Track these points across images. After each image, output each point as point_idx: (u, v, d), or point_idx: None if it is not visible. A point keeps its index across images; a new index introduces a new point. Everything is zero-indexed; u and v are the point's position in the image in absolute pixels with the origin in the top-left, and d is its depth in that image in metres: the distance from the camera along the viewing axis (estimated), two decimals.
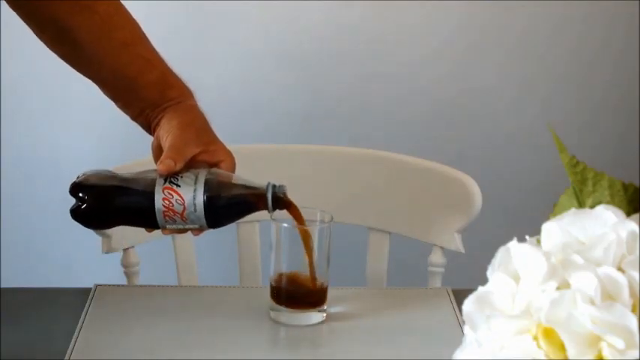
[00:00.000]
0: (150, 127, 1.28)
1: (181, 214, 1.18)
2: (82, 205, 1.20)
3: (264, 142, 1.95)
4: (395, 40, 2.24)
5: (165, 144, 1.22)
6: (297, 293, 1.27)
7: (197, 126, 1.25)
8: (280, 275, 1.27)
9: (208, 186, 1.18)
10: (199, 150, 1.22)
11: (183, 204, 1.17)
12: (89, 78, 1.30)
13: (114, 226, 1.26)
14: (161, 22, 2.14)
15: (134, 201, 1.19)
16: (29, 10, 1.27)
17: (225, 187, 1.19)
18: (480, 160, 2.28)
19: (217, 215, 1.19)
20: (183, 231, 1.22)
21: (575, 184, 0.76)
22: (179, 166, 1.19)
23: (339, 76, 2.25)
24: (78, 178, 1.21)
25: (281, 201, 1.21)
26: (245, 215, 1.23)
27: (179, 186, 1.18)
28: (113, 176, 1.22)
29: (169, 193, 1.18)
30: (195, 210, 1.18)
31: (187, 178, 1.18)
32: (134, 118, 1.30)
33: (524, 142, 2.30)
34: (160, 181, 1.19)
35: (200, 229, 1.21)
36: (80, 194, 1.20)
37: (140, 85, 1.27)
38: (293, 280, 1.27)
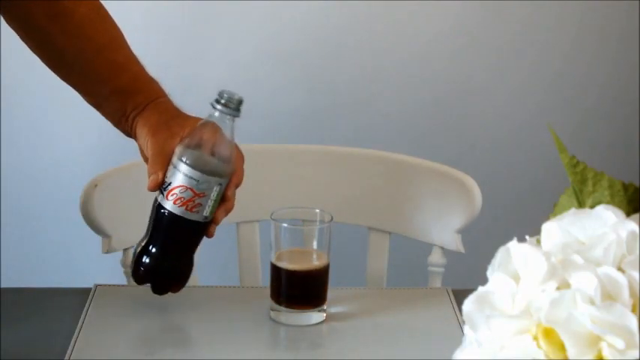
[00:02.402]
0: (130, 136, 1.30)
1: (196, 194, 1.20)
2: (157, 281, 1.27)
3: (264, 142, 1.95)
4: (395, 39, 2.24)
5: (148, 156, 1.25)
6: (297, 292, 1.28)
7: (165, 121, 1.26)
8: (280, 274, 1.27)
9: (185, 155, 1.20)
10: (177, 140, 1.23)
11: (186, 186, 1.20)
12: (72, 85, 1.31)
13: (189, 261, 1.28)
14: (161, 22, 2.14)
15: (169, 230, 1.23)
16: (11, 15, 1.27)
17: (197, 143, 1.21)
18: (480, 160, 2.28)
19: (215, 163, 1.21)
20: (226, 203, 1.23)
21: (575, 184, 0.76)
22: (161, 174, 1.22)
23: (339, 76, 2.25)
24: (130, 267, 1.27)
25: (232, 104, 1.21)
26: (233, 143, 1.23)
27: (171, 183, 1.21)
28: (144, 241, 1.26)
29: (173, 194, 1.21)
30: (197, 180, 1.20)
31: (170, 171, 1.21)
32: (115, 125, 1.31)
33: (524, 142, 2.30)
34: (160, 197, 1.22)
35: (222, 186, 1.22)
36: (148, 280, 1.26)
37: (110, 91, 1.28)
38: (293, 279, 1.27)
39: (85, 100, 1.31)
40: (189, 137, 1.22)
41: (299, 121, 2.24)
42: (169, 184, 1.21)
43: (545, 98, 2.29)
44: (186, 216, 1.21)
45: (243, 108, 1.22)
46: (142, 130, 1.26)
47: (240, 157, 1.25)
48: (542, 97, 2.29)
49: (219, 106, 1.21)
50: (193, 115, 1.27)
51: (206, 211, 1.22)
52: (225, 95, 1.21)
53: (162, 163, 1.22)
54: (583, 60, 2.27)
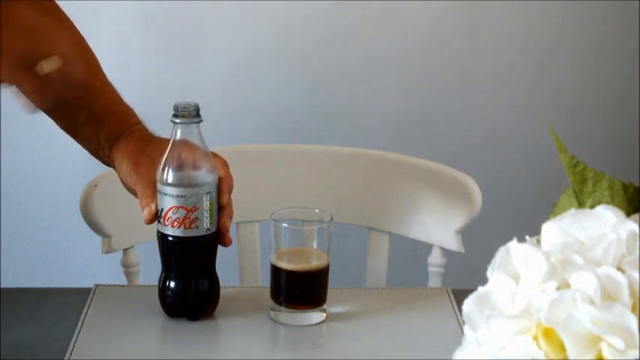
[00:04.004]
0: (109, 165, 1.30)
1: (189, 210, 1.21)
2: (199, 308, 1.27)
3: (264, 142, 1.95)
4: (395, 39, 2.24)
5: (136, 190, 1.25)
6: (297, 292, 1.27)
7: (143, 149, 1.26)
8: (280, 274, 1.27)
9: (166, 177, 1.20)
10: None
11: (177, 206, 1.21)
12: (46, 110, 1.30)
13: (211, 277, 1.27)
14: (161, 22, 2.14)
15: (178, 254, 1.24)
16: None
17: (172, 161, 1.21)
18: (480, 160, 2.28)
19: (195, 173, 1.21)
20: (226, 210, 1.23)
21: (575, 184, 0.76)
22: (154, 205, 1.22)
23: (339, 76, 2.25)
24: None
25: (191, 112, 1.21)
26: (208, 150, 1.23)
27: (162, 208, 1.22)
28: (162, 275, 1.26)
29: (168, 218, 1.21)
30: (184, 195, 1.20)
31: (158, 199, 1.22)
32: (93, 155, 1.31)
33: (524, 142, 2.30)
34: (159, 226, 1.23)
35: (212, 194, 1.22)
36: (178, 310, 1.26)
37: (87, 118, 1.28)
38: (293, 279, 1.27)
39: (60, 125, 1.32)
40: (163, 160, 1.22)
41: (298, 121, 2.24)
42: (162, 210, 1.22)
43: (545, 99, 2.29)
44: (187, 234, 1.22)
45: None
46: (121, 163, 1.27)
47: (222, 163, 1.25)
48: (543, 98, 2.29)
49: (179, 119, 1.21)
50: (167, 137, 1.26)
51: (206, 224, 1.22)
52: (180, 107, 1.21)
53: (152, 194, 1.23)
54: (583, 60, 2.27)
